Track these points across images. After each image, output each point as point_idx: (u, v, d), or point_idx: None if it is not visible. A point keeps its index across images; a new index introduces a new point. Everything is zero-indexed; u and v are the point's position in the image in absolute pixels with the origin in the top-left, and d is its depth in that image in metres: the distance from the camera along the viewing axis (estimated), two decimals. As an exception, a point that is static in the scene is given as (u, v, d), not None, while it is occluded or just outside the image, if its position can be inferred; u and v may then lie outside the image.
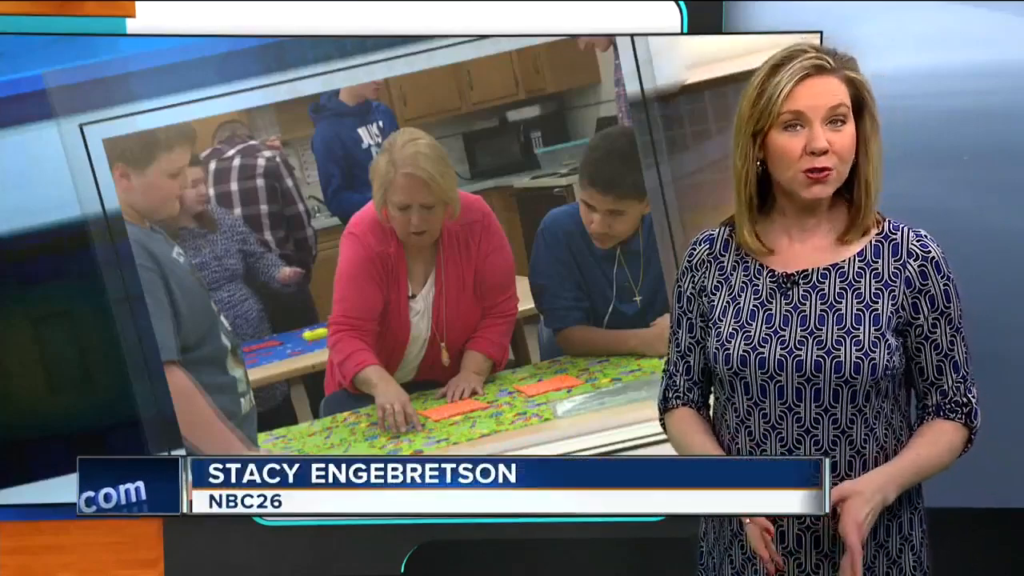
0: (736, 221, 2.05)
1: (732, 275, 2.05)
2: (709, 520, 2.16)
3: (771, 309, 2.01)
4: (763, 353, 1.98)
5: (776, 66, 1.96)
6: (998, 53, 3.32)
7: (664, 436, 2.18)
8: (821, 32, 3.10)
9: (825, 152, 1.94)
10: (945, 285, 2.01)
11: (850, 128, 1.96)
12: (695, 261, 2.10)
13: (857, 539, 1.91)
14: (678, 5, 3.27)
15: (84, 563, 3.44)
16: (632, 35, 3.22)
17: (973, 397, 2.04)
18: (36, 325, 3.30)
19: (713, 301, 2.06)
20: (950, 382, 2.03)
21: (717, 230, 2.10)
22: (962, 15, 3.32)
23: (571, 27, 3.27)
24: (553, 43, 3.27)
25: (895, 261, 2.00)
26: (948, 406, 2.03)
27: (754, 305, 2.02)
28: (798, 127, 1.95)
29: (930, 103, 3.29)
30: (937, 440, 2.02)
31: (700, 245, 2.10)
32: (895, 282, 2.00)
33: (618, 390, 3.34)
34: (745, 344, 1.99)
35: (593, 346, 3.44)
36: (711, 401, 2.15)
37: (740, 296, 2.03)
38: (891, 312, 1.98)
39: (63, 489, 3.28)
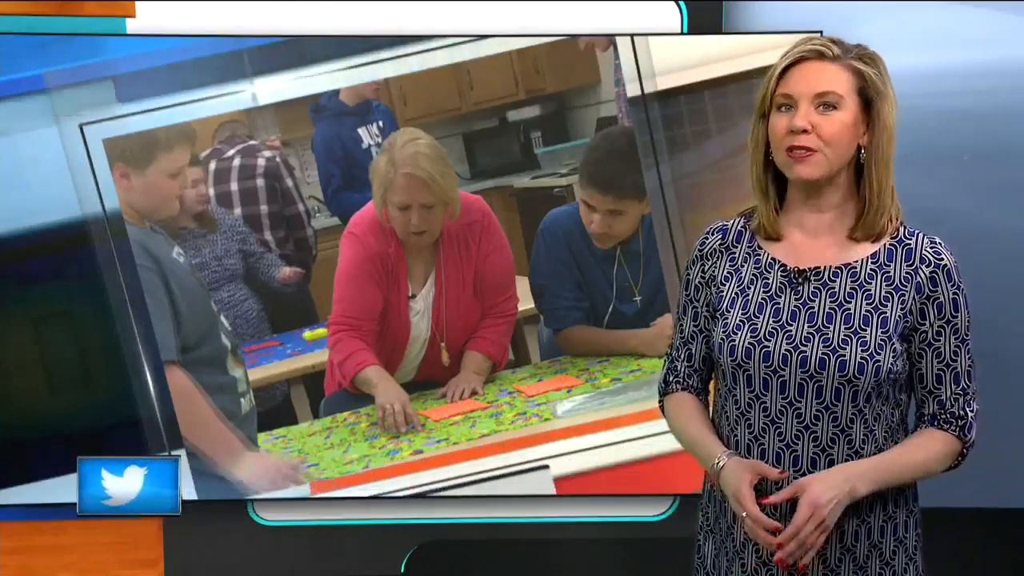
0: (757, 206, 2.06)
1: (743, 267, 2.06)
2: (703, 514, 2.16)
3: (779, 303, 2.01)
4: (768, 347, 1.98)
5: (786, 53, 1.99)
6: (998, 53, 3.32)
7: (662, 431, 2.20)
8: (821, 32, 3.08)
9: (805, 132, 1.94)
10: (954, 294, 2.00)
11: (842, 116, 1.96)
12: (706, 250, 2.10)
13: (808, 513, 1.92)
14: (678, 5, 3.27)
15: (84, 563, 3.44)
16: (632, 35, 3.22)
17: (971, 412, 2.03)
18: (36, 325, 3.30)
19: (722, 291, 2.06)
20: (948, 393, 2.02)
21: (731, 221, 2.11)
22: (962, 15, 3.32)
23: (571, 27, 3.28)
24: (553, 43, 3.27)
25: (907, 266, 2.00)
26: (943, 417, 2.03)
27: (763, 298, 2.02)
28: (789, 108, 1.96)
29: (930, 103, 3.29)
30: (924, 446, 2.02)
31: (713, 235, 2.10)
32: (905, 287, 1.99)
33: (618, 390, 3.34)
34: (751, 336, 1.99)
35: (593, 346, 3.43)
36: (711, 387, 2.16)
37: (749, 288, 2.03)
38: (899, 316, 1.98)
39: (63, 489, 3.29)
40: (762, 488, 1.99)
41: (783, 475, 1.98)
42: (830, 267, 2.01)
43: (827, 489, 1.94)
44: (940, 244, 2.03)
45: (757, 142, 2.03)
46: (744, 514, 1.96)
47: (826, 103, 1.96)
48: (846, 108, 1.96)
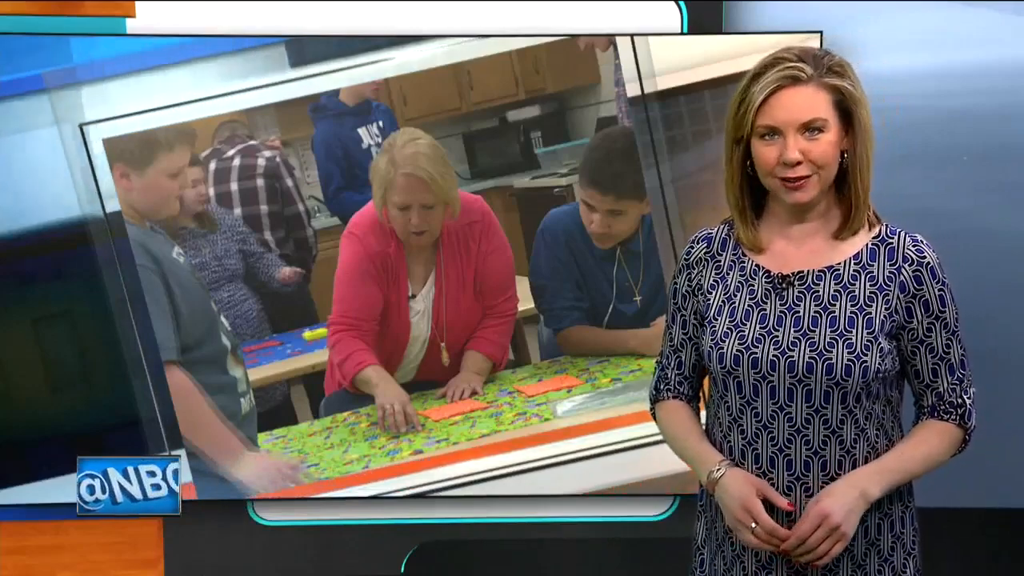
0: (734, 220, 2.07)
1: (728, 274, 2.06)
2: (701, 519, 2.16)
3: (765, 309, 2.01)
4: (756, 353, 1.99)
5: (756, 75, 1.97)
6: (998, 53, 3.32)
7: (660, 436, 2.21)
8: (821, 32, 3.10)
9: (798, 163, 1.94)
10: (940, 290, 2.01)
11: (829, 135, 1.96)
12: (692, 259, 2.11)
13: (815, 524, 1.93)
14: (678, 5, 3.27)
15: (84, 563, 3.44)
16: (632, 35, 3.22)
17: (968, 398, 2.05)
18: (36, 325, 3.30)
19: (709, 299, 2.07)
20: (945, 384, 2.04)
21: (716, 228, 2.12)
22: (962, 15, 3.32)
23: (571, 27, 3.27)
24: (553, 43, 3.27)
25: (890, 265, 2.01)
26: (943, 407, 2.04)
27: (749, 305, 2.03)
28: (775, 136, 1.96)
29: (930, 103, 3.29)
30: (927, 440, 2.03)
31: (698, 244, 2.11)
32: (889, 286, 2.00)
33: (618, 390, 3.34)
34: (739, 343, 2.00)
35: (593, 346, 3.44)
36: (702, 394, 2.17)
37: (735, 296, 2.04)
38: (884, 316, 1.99)
39: (63, 489, 3.30)
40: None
41: (791, 507, 1.98)
42: (813, 271, 2.01)
43: (836, 499, 1.95)
44: (922, 242, 2.03)
45: (734, 166, 2.02)
46: (754, 525, 1.97)
47: (809, 128, 1.96)
48: (830, 128, 1.96)
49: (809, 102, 1.95)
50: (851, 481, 1.97)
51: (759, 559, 2.04)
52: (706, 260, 2.09)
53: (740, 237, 2.06)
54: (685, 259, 2.12)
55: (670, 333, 2.15)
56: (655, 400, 2.19)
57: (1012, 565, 3.44)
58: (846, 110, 1.97)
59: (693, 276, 2.10)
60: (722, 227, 2.11)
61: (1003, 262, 3.35)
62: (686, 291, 2.11)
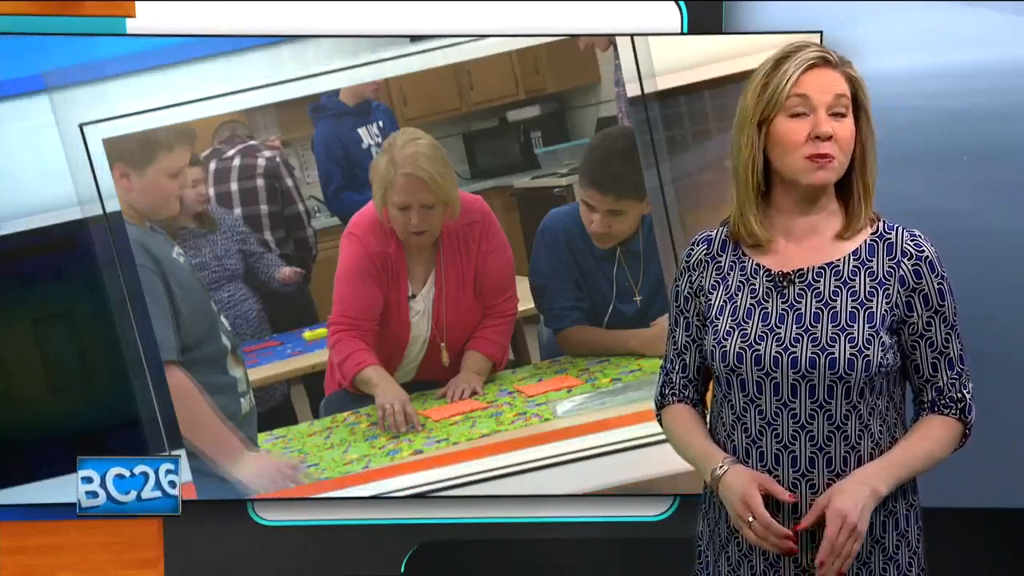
0: (737, 212, 2.06)
1: (729, 275, 2.07)
2: (705, 520, 2.16)
3: (767, 307, 2.02)
4: (759, 350, 1.99)
5: (782, 59, 2.01)
6: (998, 53, 3.32)
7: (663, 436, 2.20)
8: (821, 32, 3.10)
9: (830, 138, 1.96)
10: (939, 284, 2.02)
11: (849, 122, 2.00)
12: (692, 261, 2.12)
13: (838, 525, 1.92)
14: (678, 5, 3.27)
15: (84, 563, 3.44)
16: (632, 35, 3.22)
17: (968, 393, 2.06)
18: (36, 325, 3.30)
19: (710, 300, 2.07)
20: (945, 379, 2.05)
21: (715, 230, 2.13)
22: (962, 15, 3.32)
23: (571, 27, 3.28)
24: (553, 43, 3.27)
25: (889, 260, 2.02)
26: (943, 402, 2.05)
27: (751, 303, 2.03)
28: (804, 114, 1.97)
29: (930, 103, 3.29)
30: (929, 435, 2.04)
31: (698, 246, 2.12)
32: (889, 281, 2.01)
33: (618, 390, 3.34)
34: (741, 341, 2.00)
35: (593, 346, 3.43)
36: (707, 398, 2.17)
37: (737, 295, 2.05)
38: (885, 310, 2.00)
39: (63, 489, 3.29)
40: (768, 507, 1.99)
41: (793, 499, 1.98)
42: (813, 267, 2.03)
43: (849, 497, 1.95)
44: (920, 236, 2.05)
45: (753, 150, 2.03)
46: (751, 519, 1.96)
47: (836, 110, 1.98)
48: (850, 115, 2.00)
49: (838, 82, 1.99)
50: (860, 478, 1.97)
51: (767, 558, 2.04)
52: (707, 262, 2.10)
53: (749, 227, 2.05)
54: (686, 262, 2.13)
55: (673, 337, 2.16)
56: (661, 406, 2.19)
57: (1012, 565, 3.44)
58: (858, 106, 2.00)
59: (694, 278, 2.11)
60: (722, 228, 2.12)
61: (1003, 262, 3.35)
62: (688, 293, 2.12)
